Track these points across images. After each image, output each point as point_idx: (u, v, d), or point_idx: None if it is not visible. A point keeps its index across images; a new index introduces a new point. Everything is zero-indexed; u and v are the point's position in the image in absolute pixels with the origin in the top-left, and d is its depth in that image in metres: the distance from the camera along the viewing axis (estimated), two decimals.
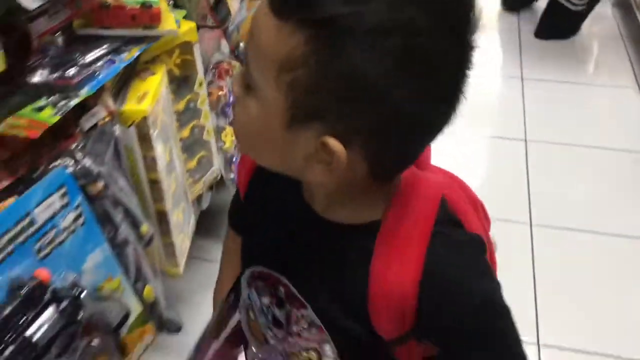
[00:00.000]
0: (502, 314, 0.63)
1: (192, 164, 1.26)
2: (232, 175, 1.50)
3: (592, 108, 2.42)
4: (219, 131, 1.42)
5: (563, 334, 1.44)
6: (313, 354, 0.69)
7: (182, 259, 1.11)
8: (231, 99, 1.45)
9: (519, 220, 1.80)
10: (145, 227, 0.96)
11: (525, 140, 2.18)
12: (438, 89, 0.54)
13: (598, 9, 2.81)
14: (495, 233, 0.76)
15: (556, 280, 1.59)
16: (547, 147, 2.15)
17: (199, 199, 1.34)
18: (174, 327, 1.02)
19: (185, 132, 1.21)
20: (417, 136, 0.57)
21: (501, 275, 0.69)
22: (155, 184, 1.03)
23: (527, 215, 1.81)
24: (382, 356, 0.65)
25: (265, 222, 0.70)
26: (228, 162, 1.47)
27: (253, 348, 0.76)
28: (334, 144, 0.53)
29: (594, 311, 1.51)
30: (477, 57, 0.56)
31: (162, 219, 1.06)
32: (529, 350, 0.66)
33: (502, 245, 0.80)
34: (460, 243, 0.63)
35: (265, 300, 0.69)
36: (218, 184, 1.48)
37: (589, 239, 1.72)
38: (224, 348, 0.83)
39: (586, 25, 2.86)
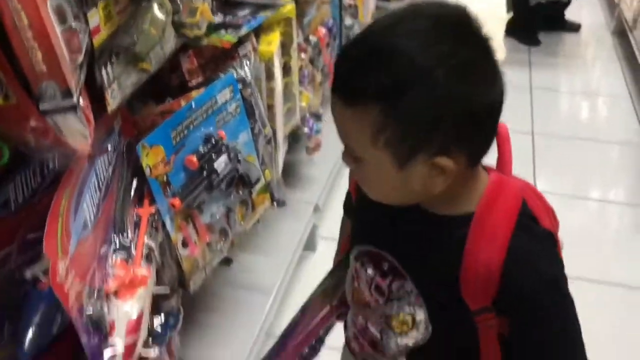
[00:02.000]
0: (566, 298, 0.74)
1: (284, 109, 1.73)
2: (305, 130, 1.97)
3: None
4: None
5: None
6: (408, 317, 0.81)
7: (281, 163, 1.57)
8: (306, 72, 1.92)
9: None
10: (268, 129, 1.42)
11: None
12: (480, 85, 0.67)
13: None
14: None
15: None
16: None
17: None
18: (281, 203, 1.47)
19: (281, 85, 1.68)
20: (483, 120, 0.69)
21: None
22: (271, 108, 1.50)
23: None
24: (466, 326, 0.77)
25: (372, 214, 0.83)
26: (303, 118, 1.94)
27: (353, 312, 0.91)
28: (441, 160, 0.67)
29: None
30: None
31: (273, 134, 1.52)
32: None
33: None
34: (538, 234, 0.75)
35: (370, 272, 0.83)
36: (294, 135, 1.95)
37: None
38: (329, 314, 1.02)
39: None
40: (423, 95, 0.64)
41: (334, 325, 1.05)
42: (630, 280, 1.98)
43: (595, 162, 2.63)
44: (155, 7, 0.86)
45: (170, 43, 0.90)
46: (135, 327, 0.87)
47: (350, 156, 0.72)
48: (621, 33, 3.64)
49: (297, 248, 1.87)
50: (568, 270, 0.74)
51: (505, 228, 0.72)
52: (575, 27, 3.91)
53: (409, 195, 0.74)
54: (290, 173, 2.07)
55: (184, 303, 1.22)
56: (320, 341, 1.05)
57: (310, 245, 2.02)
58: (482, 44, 0.68)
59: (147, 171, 1.05)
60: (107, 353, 0.84)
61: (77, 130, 0.73)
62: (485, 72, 0.68)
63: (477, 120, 0.68)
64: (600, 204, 2.43)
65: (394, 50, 0.64)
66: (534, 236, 0.74)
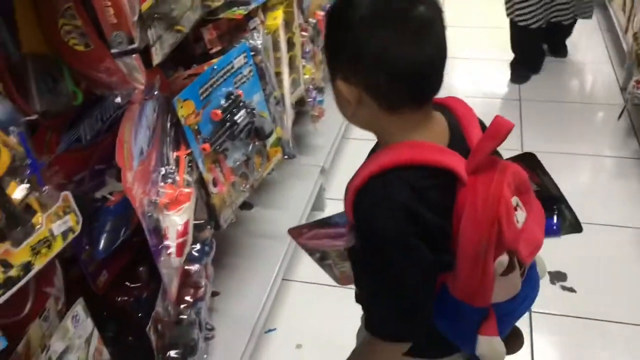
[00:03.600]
0: (389, 250, 0.81)
1: (290, 79, 1.96)
2: (309, 100, 2.20)
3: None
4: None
5: None
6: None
7: (290, 124, 1.80)
8: (307, 48, 2.15)
9: None
10: (277, 92, 1.66)
11: None
12: (391, 40, 0.76)
13: None
14: None
15: None
16: None
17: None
18: (291, 156, 1.70)
19: (287, 56, 1.92)
20: (389, 72, 0.78)
21: None
22: (278, 75, 1.73)
23: None
24: None
25: None
26: (306, 90, 2.17)
27: None
28: (338, 83, 0.81)
29: None
30: None
31: (282, 98, 1.76)
32: None
33: None
34: (388, 195, 0.80)
35: None
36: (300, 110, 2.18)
37: None
38: None
39: None
40: (334, 30, 0.83)
41: None
42: (615, 220, 2.20)
43: (580, 122, 2.85)
44: None
45: (198, 10, 1.13)
46: (183, 233, 1.11)
47: None
48: (602, 6, 3.85)
49: (307, 204, 2.10)
50: None
51: (370, 172, 0.82)
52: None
53: (349, 117, 0.86)
54: (298, 142, 2.30)
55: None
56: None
57: (318, 205, 2.26)
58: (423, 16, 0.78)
59: (182, 120, 1.28)
60: (164, 251, 1.07)
61: (135, 72, 0.97)
62: (403, 33, 0.77)
63: (376, 65, 0.77)
64: (586, 157, 2.63)
65: None
66: (383, 196, 0.80)
